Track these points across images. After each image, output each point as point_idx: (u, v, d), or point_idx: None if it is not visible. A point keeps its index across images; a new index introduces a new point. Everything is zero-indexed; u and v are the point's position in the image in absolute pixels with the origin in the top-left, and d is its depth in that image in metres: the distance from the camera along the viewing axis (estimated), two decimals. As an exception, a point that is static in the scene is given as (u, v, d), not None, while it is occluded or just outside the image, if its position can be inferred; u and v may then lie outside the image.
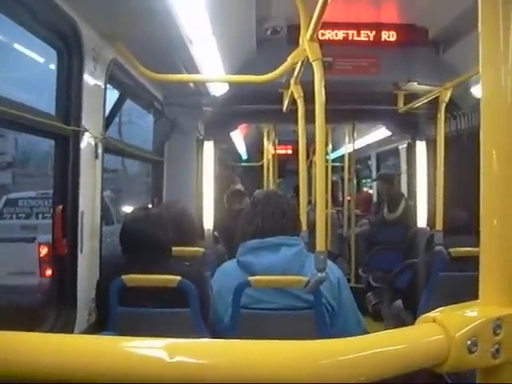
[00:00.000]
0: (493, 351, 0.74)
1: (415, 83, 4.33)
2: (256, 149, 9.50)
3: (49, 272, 5.72)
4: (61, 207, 2.57)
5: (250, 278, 2.22)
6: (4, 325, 0.78)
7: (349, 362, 0.66)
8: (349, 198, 7.56)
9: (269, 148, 7.48)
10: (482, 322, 0.73)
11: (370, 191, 10.06)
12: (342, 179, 8.75)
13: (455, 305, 0.79)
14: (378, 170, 9.15)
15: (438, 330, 0.72)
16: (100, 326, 2.52)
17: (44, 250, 5.93)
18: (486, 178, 0.80)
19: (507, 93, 0.79)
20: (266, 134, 7.47)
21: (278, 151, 7.84)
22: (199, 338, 2.16)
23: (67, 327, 2.59)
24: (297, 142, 3.12)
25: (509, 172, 0.79)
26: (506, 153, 0.79)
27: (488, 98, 0.82)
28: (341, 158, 8.60)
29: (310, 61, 2.14)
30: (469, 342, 0.71)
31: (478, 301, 0.79)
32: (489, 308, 0.77)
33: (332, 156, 8.56)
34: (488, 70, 0.81)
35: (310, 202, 6.66)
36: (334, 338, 2.28)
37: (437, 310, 0.77)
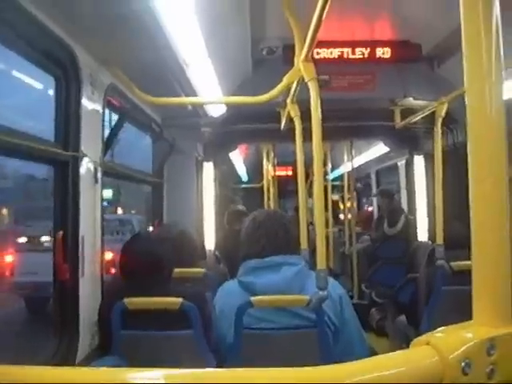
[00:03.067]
0: (488, 372, 0.73)
1: (411, 98, 4.35)
2: (256, 170, 9.50)
3: (112, 271, 7.18)
4: (61, 233, 2.57)
5: (253, 299, 2.20)
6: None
7: None
8: (349, 216, 7.57)
9: (268, 169, 7.48)
10: (475, 343, 0.73)
11: (370, 209, 10.05)
12: (343, 198, 8.75)
13: (448, 326, 0.78)
14: (378, 187, 9.16)
15: (431, 353, 0.71)
16: (103, 349, 2.51)
17: (109, 256, 6.98)
18: (475, 194, 0.80)
19: (491, 106, 0.80)
20: (265, 155, 7.47)
21: (278, 173, 7.82)
22: (203, 359, 2.12)
23: (70, 352, 2.57)
24: (296, 163, 3.12)
25: (497, 186, 0.79)
26: (492, 165, 0.80)
27: (473, 111, 0.83)
28: (340, 178, 8.61)
29: (306, 80, 2.15)
30: (463, 364, 0.71)
31: (472, 321, 0.79)
32: (482, 328, 0.76)
33: (332, 176, 8.56)
34: (473, 86, 0.83)
35: (311, 223, 6.67)
36: (337, 356, 2.24)
37: (429, 332, 0.76)
